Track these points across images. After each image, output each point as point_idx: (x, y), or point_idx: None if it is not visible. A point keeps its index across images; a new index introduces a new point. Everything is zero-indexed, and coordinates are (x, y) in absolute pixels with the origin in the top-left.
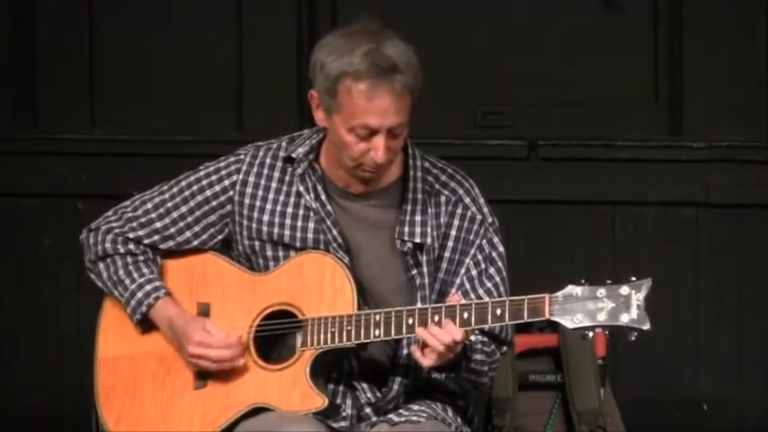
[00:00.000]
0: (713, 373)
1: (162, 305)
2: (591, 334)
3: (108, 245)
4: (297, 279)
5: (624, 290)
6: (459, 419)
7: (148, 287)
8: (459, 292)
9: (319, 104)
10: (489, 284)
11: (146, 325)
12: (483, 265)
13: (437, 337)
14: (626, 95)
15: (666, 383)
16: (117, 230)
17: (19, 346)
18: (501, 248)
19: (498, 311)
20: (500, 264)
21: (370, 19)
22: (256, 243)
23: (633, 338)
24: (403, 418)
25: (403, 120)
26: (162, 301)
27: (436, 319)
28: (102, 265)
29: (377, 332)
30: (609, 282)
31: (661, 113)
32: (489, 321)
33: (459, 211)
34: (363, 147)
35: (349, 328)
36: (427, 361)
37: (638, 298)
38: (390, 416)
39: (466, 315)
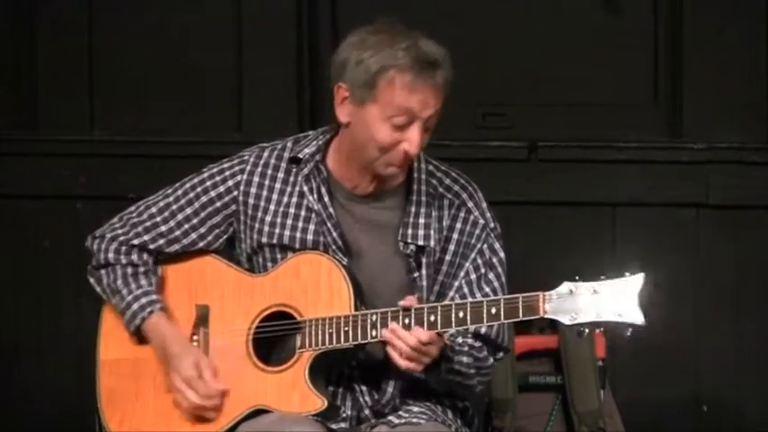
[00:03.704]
0: (713, 373)
1: (156, 320)
2: (586, 331)
3: (111, 254)
4: (294, 280)
5: (618, 285)
6: (459, 421)
7: (144, 300)
8: (457, 295)
9: (346, 97)
10: (487, 289)
11: (141, 336)
12: (482, 270)
13: (403, 339)
14: (626, 96)
15: (666, 384)
16: (122, 237)
17: (19, 348)
18: (501, 254)
19: (493, 310)
20: (499, 269)
21: (390, 21)
22: (257, 244)
23: (629, 334)
24: (403, 420)
25: (438, 112)
26: (156, 315)
27: (432, 319)
28: (102, 272)
29: (374, 333)
30: (603, 278)
31: (661, 114)
32: (485, 320)
33: (461, 214)
34: (397, 136)
35: (346, 328)
36: (403, 363)
37: (631, 293)
38: (390, 417)
39: (461, 314)
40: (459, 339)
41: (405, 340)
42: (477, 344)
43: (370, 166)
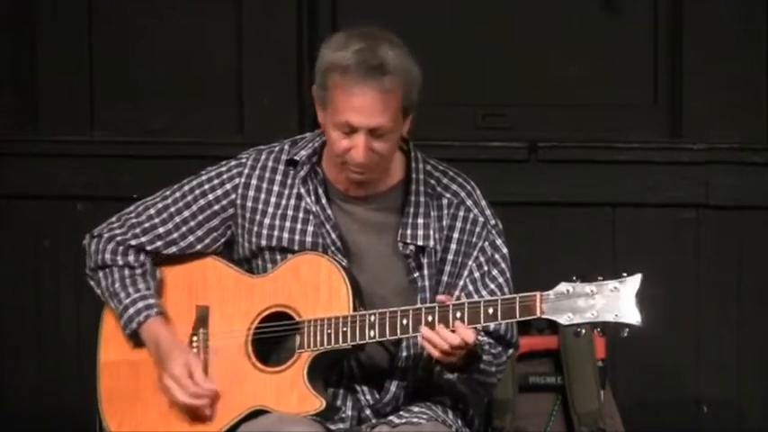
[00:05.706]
0: (713, 373)
1: (151, 324)
2: (583, 331)
3: (108, 255)
4: (293, 280)
5: (614, 286)
6: (459, 421)
7: (141, 304)
8: (462, 294)
9: (316, 99)
10: (492, 286)
11: (138, 339)
12: (486, 267)
13: (447, 340)
14: (626, 97)
15: (666, 385)
16: (119, 238)
17: (18, 348)
18: (504, 250)
19: (490, 310)
20: (503, 265)
21: (377, 26)
22: (256, 246)
23: (625, 334)
24: (403, 420)
25: (387, 122)
26: (152, 320)
27: (429, 319)
28: (100, 275)
29: (372, 333)
30: (600, 278)
31: (661, 115)
32: (482, 320)
33: (461, 213)
34: (346, 144)
35: (344, 329)
36: (435, 353)
37: (628, 293)
38: (391, 417)
39: (459, 314)
40: (480, 337)
41: (449, 341)
42: (492, 340)
43: (338, 168)
